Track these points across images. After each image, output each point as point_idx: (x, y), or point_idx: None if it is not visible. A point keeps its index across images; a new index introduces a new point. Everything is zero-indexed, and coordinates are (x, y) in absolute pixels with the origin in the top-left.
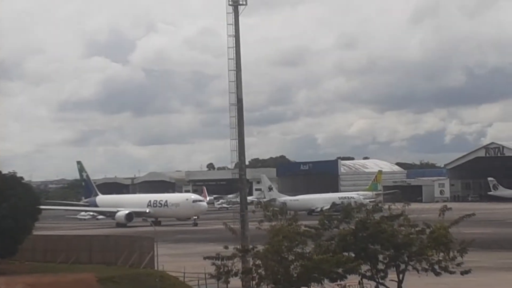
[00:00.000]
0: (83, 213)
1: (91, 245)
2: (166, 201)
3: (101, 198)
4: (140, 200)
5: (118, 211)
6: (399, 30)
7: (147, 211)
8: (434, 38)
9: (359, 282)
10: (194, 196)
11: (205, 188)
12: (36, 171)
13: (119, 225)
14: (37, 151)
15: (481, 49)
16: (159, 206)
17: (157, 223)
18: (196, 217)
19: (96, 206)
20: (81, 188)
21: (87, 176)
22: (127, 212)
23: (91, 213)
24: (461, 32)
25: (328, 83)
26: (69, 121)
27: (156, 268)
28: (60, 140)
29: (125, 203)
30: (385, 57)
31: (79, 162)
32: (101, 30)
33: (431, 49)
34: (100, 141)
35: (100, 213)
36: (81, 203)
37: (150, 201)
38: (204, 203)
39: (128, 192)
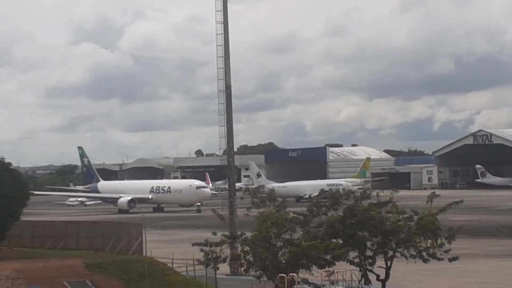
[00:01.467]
0: (71, 199)
1: (79, 231)
2: (169, 187)
3: (102, 184)
4: (142, 186)
5: (120, 197)
6: (388, 17)
7: (150, 197)
8: (423, 26)
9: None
10: (197, 182)
11: (207, 174)
12: (24, 157)
13: (121, 211)
14: (25, 137)
15: (470, 37)
16: (162, 192)
17: (159, 209)
18: (199, 203)
19: (98, 192)
20: (80, 174)
21: (88, 161)
22: (129, 198)
23: (79, 199)
24: (450, 20)
25: (316, 71)
26: (57, 107)
27: (144, 254)
28: (48, 127)
29: (127, 189)
30: (373, 44)
31: (80, 148)
32: (89, 16)
33: (420, 36)
34: (88, 128)
35: (102, 199)
36: (82, 188)
37: (152, 187)
38: (208, 189)
39: (116, 179)
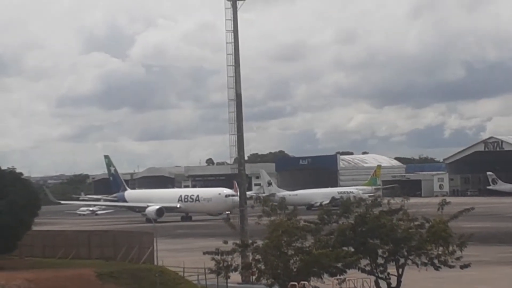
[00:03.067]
0: (83, 208)
1: (90, 241)
2: (197, 196)
3: (130, 193)
4: (170, 195)
5: (148, 206)
6: (398, 24)
7: (178, 206)
8: (433, 33)
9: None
10: (226, 190)
11: (235, 182)
12: (35, 166)
13: (149, 220)
14: (36, 147)
15: (480, 43)
16: (190, 201)
17: (187, 218)
18: (228, 212)
19: (125, 201)
20: (108, 183)
21: (115, 170)
22: (157, 207)
23: (90, 209)
24: (460, 27)
25: (327, 78)
26: (68, 116)
27: (155, 263)
28: (59, 136)
29: (155, 198)
30: (384, 51)
31: (106, 156)
32: (100, 25)
33: (430, 43)
34: (99, 137)
35: (129, 208)
36: (109, 198)
37: (181, 196)
38: (237, 198)
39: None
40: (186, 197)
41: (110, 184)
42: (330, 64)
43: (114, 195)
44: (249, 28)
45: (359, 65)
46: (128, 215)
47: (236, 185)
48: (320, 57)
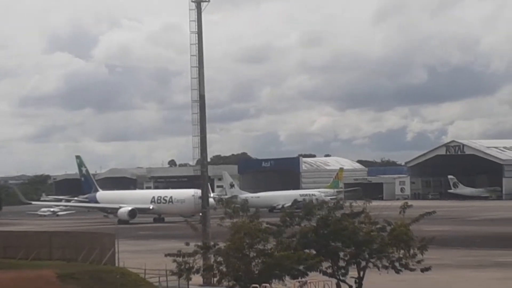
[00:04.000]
0: (43, 209)
1: (52, 242)
2: (171, 197)
3: (102, 194)
4: (143, 196)
5: (120, 207)
6: (363, 28)
7: (151, 207)
8: (398, 36)
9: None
10: (200, 192)
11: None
12: None
13: (121, 222)
14: None
15: (444, 47)
16: (164, 202)
17: (160, 219)
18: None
19: (97, 202)
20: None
21: (87, 171)
22: (130, 208)
23: (51, 209)
24: (424, 31)
25: (291, 81)
26: (30, 116)
27: (117, 265)
28: (21, 136)
29: (127, 199)
30: (348, 54)
31: (78, 157)
32: (64, 25)
33: (394, 47)
34: (62, 137)
35: (101, 209)
36: (79, 198)
37: (154, 197)
38: (212, 199)
39: None
40: (159, 198)
41: (82, 184)
42: (295, 67)
43: (86, 196)
44: (215, 30)
45: (323, 68)
46: (90, 216)
47: (209, 186)
48: (285, 59)
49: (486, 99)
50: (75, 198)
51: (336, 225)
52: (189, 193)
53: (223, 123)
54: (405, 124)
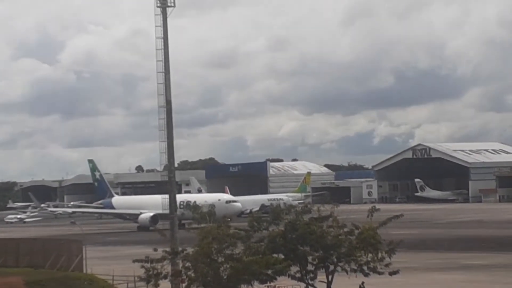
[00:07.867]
0: (10, 216)
1: (19, 248)
2: (195, 202)
3: (118, 199)
4: (165, 201)
5: (141, 213)
6: (330, 32)
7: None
8: (365, 40)
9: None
10: (226, 196)
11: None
12: None
13: (141, 228)
14: None
15: (411, 51)
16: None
17: (180, 225)
18: (229, 219)
19: (112, 208)
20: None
21: (101, 175)
22: (151, 214)
23: (18, 216)
24: (392, 34)
25: (258, 85)
26: None
27: (84, 271)
28: None
29: (147, 205)
30: (315, 59)
31: (91, 161)
32: (30, 31)
33: (362, 51)
34: (28, 144)
35: (119, 215)
36: (94, 204)
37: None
38: (238, 204)
39: (55, 195)
40: (182, 203)
41: (95, 190)
42: (262, 71)
43: (100, 201)
44: (181, 35)
45: (290, 73)
46: (56, 223)
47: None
48: (252, 64)
49: (453, 102)
50: (89, 204)
51: (304, 229)
52: (215, 198)
53: (191, 128)
54: (372, 128)
